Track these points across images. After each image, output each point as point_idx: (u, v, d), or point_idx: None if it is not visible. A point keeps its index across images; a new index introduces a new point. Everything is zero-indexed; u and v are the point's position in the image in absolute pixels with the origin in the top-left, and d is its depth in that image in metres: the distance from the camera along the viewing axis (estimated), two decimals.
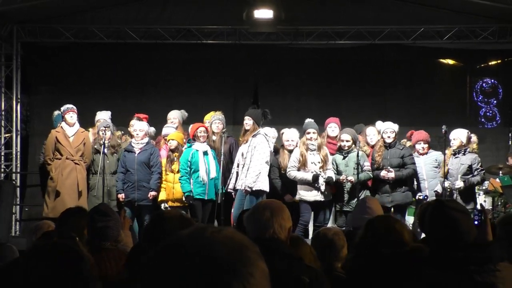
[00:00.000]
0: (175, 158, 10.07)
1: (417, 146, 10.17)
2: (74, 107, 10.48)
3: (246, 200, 9.57)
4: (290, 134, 10.15)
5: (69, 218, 5.09)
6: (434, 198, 9.77)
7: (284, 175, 9.95)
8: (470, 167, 9.92)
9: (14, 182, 12.78)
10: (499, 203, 10.85)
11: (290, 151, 9.98)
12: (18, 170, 13.35)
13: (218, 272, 1.32)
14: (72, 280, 2.80)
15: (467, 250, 3.33)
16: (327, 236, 4.74)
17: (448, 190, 9.88)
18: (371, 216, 5.26)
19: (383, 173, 9.84)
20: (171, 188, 10.05)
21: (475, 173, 9.93)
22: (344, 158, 9.96)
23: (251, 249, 1.39)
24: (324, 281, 3.36)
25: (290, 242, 3.80)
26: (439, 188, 9.95)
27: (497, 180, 10.85)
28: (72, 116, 10.38)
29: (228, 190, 9.96)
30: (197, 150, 9.86)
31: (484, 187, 11.09)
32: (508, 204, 10.49)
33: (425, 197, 9.90)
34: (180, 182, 9.83)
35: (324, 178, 9.65)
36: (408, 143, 10.53)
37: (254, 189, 9.54)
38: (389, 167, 9.83)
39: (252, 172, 9.56)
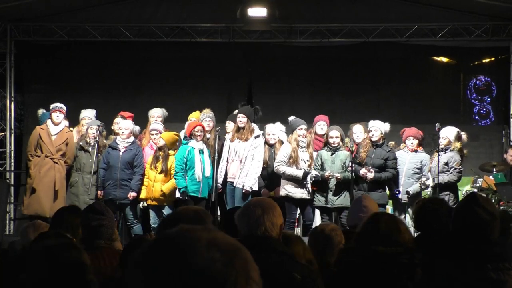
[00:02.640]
0: (160, 157, 10.06)
1: (407, 142, 10.25)
2: (63, 107, 10.48)
3: (237, 197, 9.84)
4: (272, 129, 10.19)
5: (64, 217, 5.08)
6: (406, 197, 9.95)
7: (263, 170, 10.03)
8: (447, 164, 9.96)
9: (8, 181, 12.76)
10: (493, 201, 10.87)
11: (271, 145, 10.08)
12: (12, 169, 13.32)
13: (210, 273, 1.32)
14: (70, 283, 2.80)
15: (484, 246, 3.33)
16: (324, 232, 4.73)
17: (422, 187, 9.94)
18: (366, 215, 5.26)
19: (362, 171, 9.86)
20: (151, 187, 10.03)
21: (450, 171, 9.96)
22: (332, 155, 9.95)
23: (243, 249, 1.40)
24: (316, 279, 3.36)
25: (282, 239, 3.79)
26: (411, 189, 9.99)
27: (491, 177, 10.87)
28: (58, 116, 10.38)
29: (217, 184, 10.03)
30: (193, 148, 9.86)
31: (478, 185, 11.12)
32: (501, 202, 10.51)
33: (397, 191, 9.99)
34: (175, 178, 9.82)
35: (312, 176, 9.69)
36: (402, 145, 10.53)
37: (253, 189, 9.78)
38: (370, 167, 9.87)
39: (254, 173, 9.85)
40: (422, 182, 9.93)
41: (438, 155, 9.95)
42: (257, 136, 10.01)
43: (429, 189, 10.03)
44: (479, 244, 3.36)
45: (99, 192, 10.07)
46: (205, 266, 1.32)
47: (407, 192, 9.98)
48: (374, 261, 3.58)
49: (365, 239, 3.72)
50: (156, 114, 10.89)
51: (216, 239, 1.37)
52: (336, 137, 9.94)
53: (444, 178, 9.86)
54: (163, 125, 10.68)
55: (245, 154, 9.90)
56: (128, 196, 10.01)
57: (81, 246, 3.33)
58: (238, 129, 10.10)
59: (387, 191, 10.21)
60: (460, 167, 10.07)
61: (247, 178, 9.81)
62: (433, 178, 9.88)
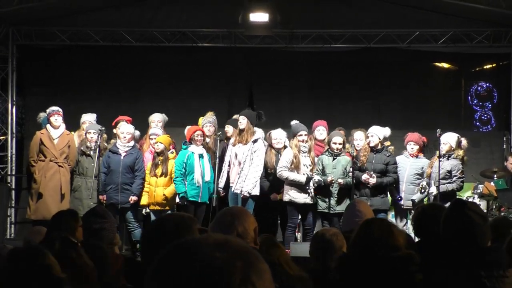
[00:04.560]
0: (159, 162, 10.06)
1: (408, 147, 10.30)
2: (60, 110, 10.51)
3: (239, 202, 9.77)
4: (278, 134, 10.17)
5: (61, 220, 5.09)
6: (410, 204, 9.91)
7: (270, 175, 10.01)
8: (450, 172, 9.96)
9: (9, 184, 12.77)
10: (494, 207, 10.87)
11: (277, 150, 10.03)
12: (13, 173, 13.33)
13: (208, 269, 1.36)
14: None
15: (478, 253, 3.32)
16: (326, 237, 4.73)
17: (422, 190, 9.90)
18: (361, 220, 5.25)
19: (364, 176, 9.83)
20: (153, 192, 10.05)
21: (453, 179, 9.95)
22: (333, 160, 9.95)
23: (255, 256, 1.43)
24: (295, 286, 3.34)
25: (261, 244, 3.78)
26: (416, 198, 9.97)
27: (492, 183, 10.87)
28: (56, 119, 10.40)
29: (218, 188, 10.01)
30: (192, 153, 9.87)
31: (478, 191, 11.12)
32: (502, 208, 10.51)
33: (399, 198, 9.98)
34: (174, 183, 9.84)
35: (315, 181, 9.69)
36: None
37: (252, 194, 9.69)
38: (371, 172, 9.86)
39: (252, 178, 9.78)
40: (422, 186, 9.89)
41: (440, 161, 9.94)
42: (256, 140, 9.96)
43: (431, 198, 9.97)
44: (472, 250, 3.36)
45: (101, 197, 10.07)
46: (205, 262, 1.36)
47: (412, 201, 9.94)
48: (372, 266, 3.57)
49: (360, 245, 3.70)
50: (157, 119, 10.91)
51: (226, 241, 1.42)
52: (340, 143, 9.96)
53: (448, 187, 9.85)
54: (163, 130, 10.68)
55: (244, 159, 9.90)
56: (129, 200, 10.01)
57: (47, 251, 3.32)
58: (240, 132, 10.10)
59: (389, 197, 10.21)
60: (463, 175, 10.09)
61: (245, 183, 9.78)
62: (436, 187, 9.84)
